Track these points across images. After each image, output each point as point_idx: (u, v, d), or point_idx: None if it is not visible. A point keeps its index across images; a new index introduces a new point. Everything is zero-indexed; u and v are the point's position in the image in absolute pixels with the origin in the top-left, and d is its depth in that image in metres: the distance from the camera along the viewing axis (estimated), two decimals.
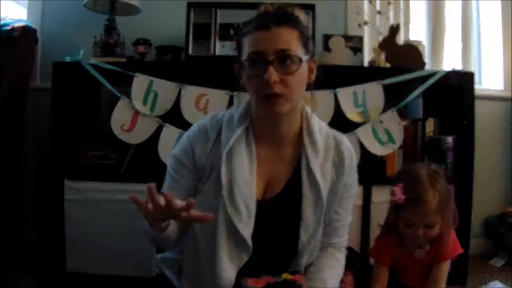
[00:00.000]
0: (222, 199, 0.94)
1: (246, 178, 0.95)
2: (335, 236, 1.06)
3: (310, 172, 0.97)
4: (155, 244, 1.12)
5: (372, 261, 1.35)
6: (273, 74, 0.87)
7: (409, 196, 1.17)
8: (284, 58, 0.89)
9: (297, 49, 0.91)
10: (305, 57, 0.92)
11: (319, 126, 1.03)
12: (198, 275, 0.97)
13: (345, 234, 1.09)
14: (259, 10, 0.94)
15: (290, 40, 0.90)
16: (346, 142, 1.06)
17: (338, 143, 1.03)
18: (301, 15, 0.95)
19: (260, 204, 0.96)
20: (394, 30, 1.78)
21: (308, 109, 1.03)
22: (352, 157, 1.05)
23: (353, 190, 1.07)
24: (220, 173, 0.94)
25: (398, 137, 1.70)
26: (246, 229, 0.93)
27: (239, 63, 0.95)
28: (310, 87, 0.99)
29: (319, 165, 0.98)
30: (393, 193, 1.19)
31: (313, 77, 0.99)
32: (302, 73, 0.93)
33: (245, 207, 0.94)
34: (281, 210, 0.98)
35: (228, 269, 0.92)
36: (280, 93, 0.89)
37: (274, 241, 0.96)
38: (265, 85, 0.88)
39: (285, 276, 0.93)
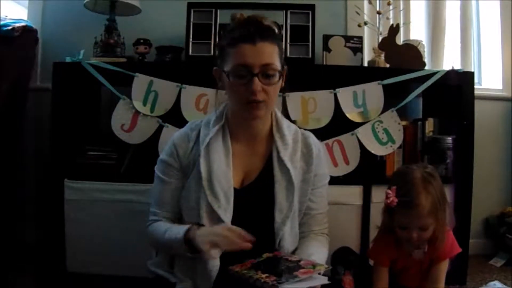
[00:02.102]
0: (203, 188, 1.06)
1: (223, 169, 1.08)
2: (315, 224, 1.17)
3: (280, 161, 1.11)
4: (160, 250, 1.20)
5: (371, 262, 1.35)
6: (258, 84, 1.01)
7: (402, 199, 1.18)
8: (267, 72, 1.03)
9: (277, 63, 1.05)
10: (281, 70, 1.06)
11: (287, 124, 1.18)
12: (189, 262, 1.05)
13: (325, 223, 1.20)
14: (237, 19, 1.07)
15: (272, 54, 1.04)
16: (313, 137, 1.21)
17: (306, 137, 1.18)
18: (276, 29, 1.09)
19: (238, 191, 1.09)
20: (394, 30, 1.78)
21: (278, 111, 1.18)
22: (319, 149, 1.19)
23: (326, 180, 1.20)
24: (200, 166, 1.07)
25: (398, 137, 1.70)
26: (226, 215, 1.04)
27: (223, 71, 1.06)
28: (281, 90, 1.15)
29: (289, 155, 1.12)
30: (386, 196, 1.20)
31: (283, 83, 1.12)
32: (279, 84, 1.08)
33: (223, 195, 1.06)
34: (257, 195, 1.10)
35: (213, 252, 1.00)
36: (262, 100, 1.03)
37: (252, 224, 1.04)
38: (250, 93, 1.02)
39: (266, 255, 1.00)
